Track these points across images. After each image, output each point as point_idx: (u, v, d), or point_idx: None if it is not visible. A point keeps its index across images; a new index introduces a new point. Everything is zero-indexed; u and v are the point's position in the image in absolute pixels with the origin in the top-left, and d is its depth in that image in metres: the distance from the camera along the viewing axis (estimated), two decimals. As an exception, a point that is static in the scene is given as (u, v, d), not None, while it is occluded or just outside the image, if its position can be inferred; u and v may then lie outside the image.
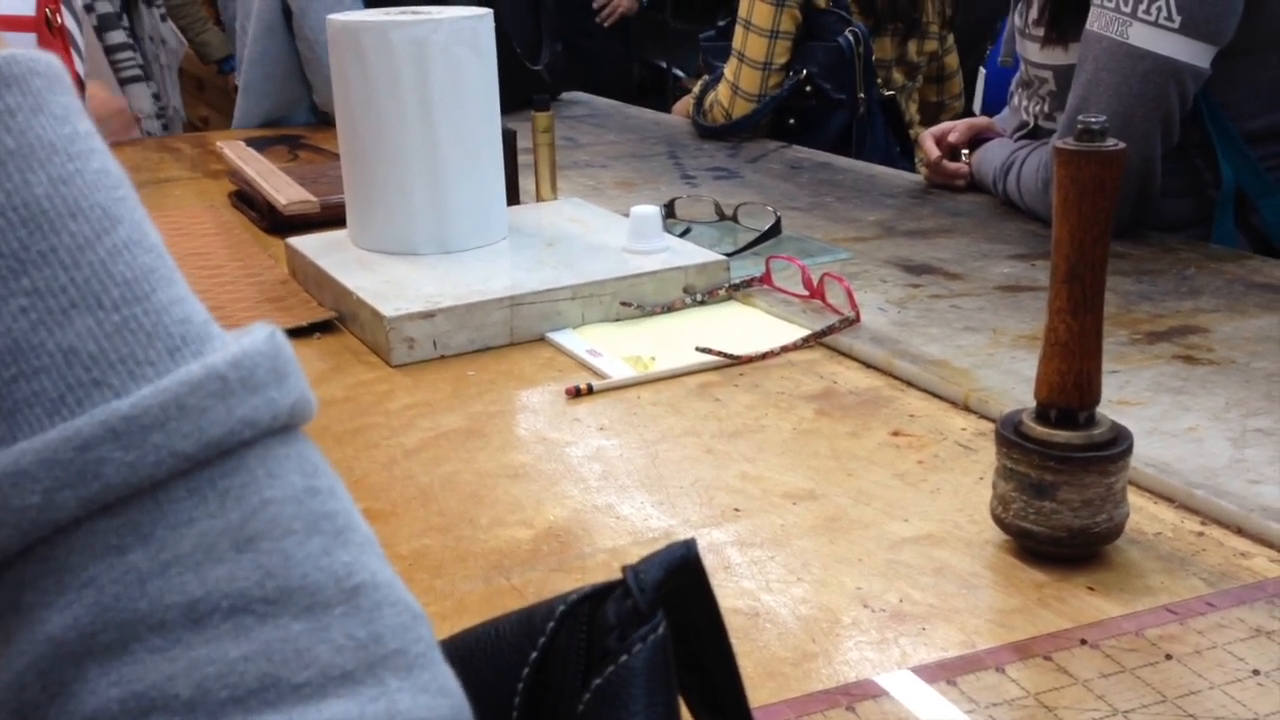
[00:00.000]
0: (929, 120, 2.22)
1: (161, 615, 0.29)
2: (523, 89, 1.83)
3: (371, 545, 0.32)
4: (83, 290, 0.29)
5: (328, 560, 0.30)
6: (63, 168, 0.30)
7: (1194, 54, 1.19)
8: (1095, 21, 1.22)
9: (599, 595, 0.35)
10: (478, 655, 0.36)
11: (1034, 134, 1.43)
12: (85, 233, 0.30)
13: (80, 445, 0.28)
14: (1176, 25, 1.17)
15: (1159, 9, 1.17)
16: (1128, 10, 1.19)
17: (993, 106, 1.96)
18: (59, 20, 1.60)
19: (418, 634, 0.32)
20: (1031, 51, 1.38)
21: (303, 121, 2.14)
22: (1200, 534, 0.72)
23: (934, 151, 1.56)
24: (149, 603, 0.29)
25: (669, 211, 1.39)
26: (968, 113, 2.17)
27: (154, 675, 0.28)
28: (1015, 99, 1.48)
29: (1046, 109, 1.39)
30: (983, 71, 2.19)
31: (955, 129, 1.58)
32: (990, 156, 1.48)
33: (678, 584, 0.35)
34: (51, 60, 0.32)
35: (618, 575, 0.35)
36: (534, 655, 0.35)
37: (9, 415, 0.29)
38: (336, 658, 0.30)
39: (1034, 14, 1.37)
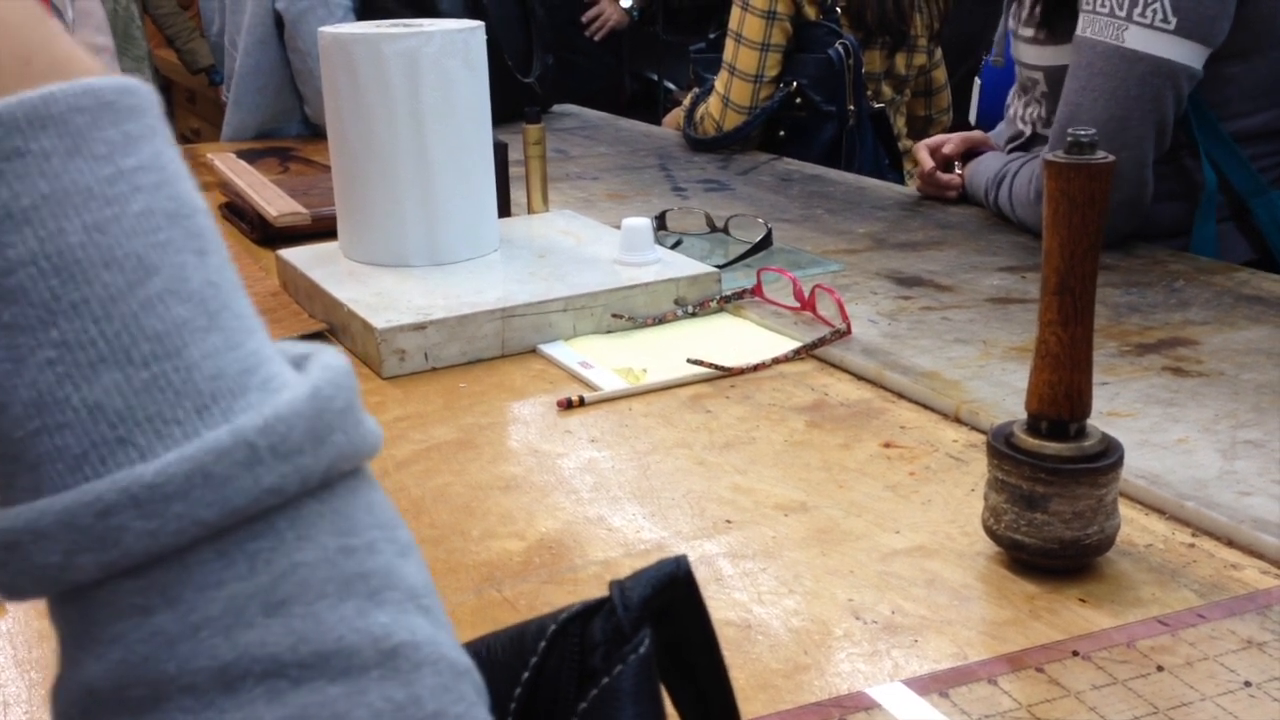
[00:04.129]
0: (917, 133, 2.22)
1: (191, 678, 0.28)
2: (514, 101, 1.83)
3: (412, 600, 0.31)
4: (112, 344, 0.29)
5: (363, 623, 0.30)
6: (99, 214, 0.29)
7: (1189, 55, 1.20)
8: (1088, 28, 1.23)
9: (588, 613, 0.35)
10: (468, 674, 0.36)
11: (1030, 143, 1.43)
12: (118, 284, 0.29)
13: (101, 511, 0.28)
14: (1172, 26, 1.19)
15: (1155, 11, 1.18)
16: (1123, 14, 1.20)
17: (988, 117, 1.97)
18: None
19: (459, 693, 0.31)
20: (1024, 53, 1.40)
21: (294, 133, 2.14)
22: (1191, 545, 0.72)
23: (928, 162, 1.57)
24: (178, 665, 0.28)
25: (660, 223, 1.39)
26: (963, 124, 2.18)
27: None
28: (1012, 109, 1.49)
29: (1043, 113, 1.40)
30: (978, 82, 2.19)
31: (950, 141, 1.58)
32: (983, 169, 1.49)
33: (667, 599, 0.35)
34: (114, 87, 0.30)
35: (610, 588, 0.35)
36: (526, 675, 0.34)
37: (34, 468, 0.28)
38: None
39: (1025, 14, 1.38)
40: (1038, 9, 1.35)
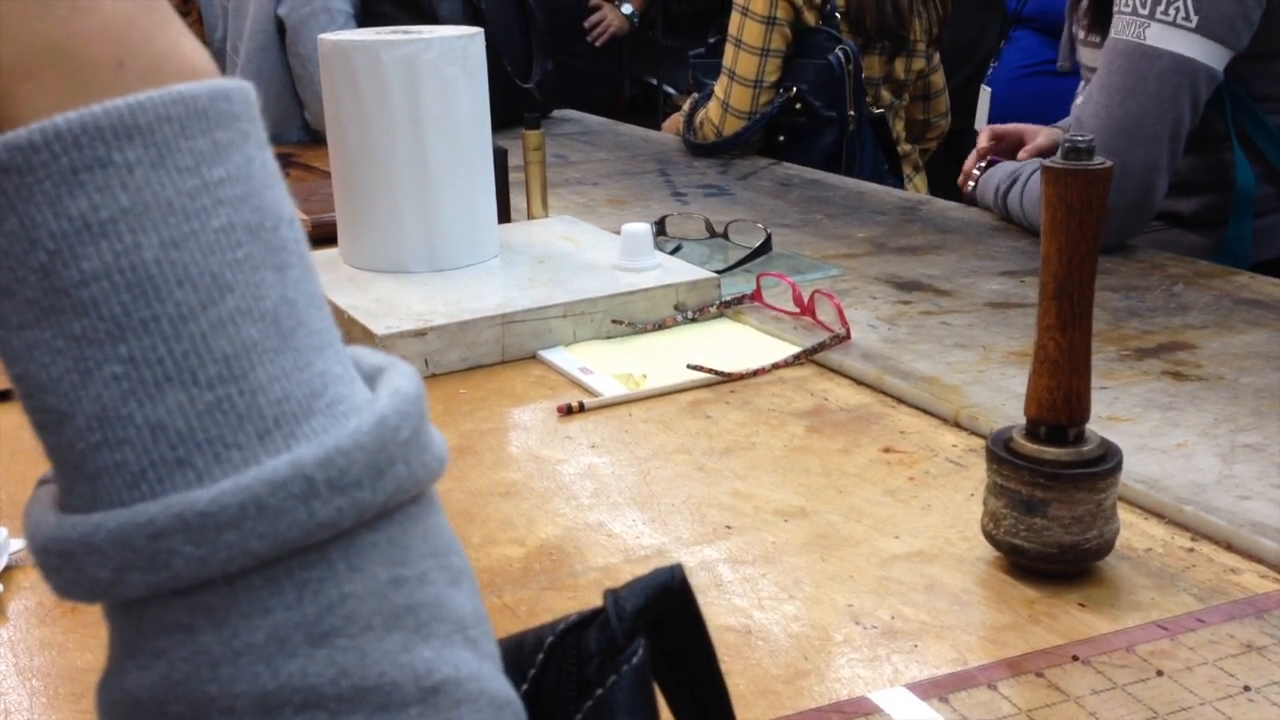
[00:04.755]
0: (915, 138, 2.23)
1: (231, 701, 0.28)
2: (514, 107, 1.83)
3: (460, 632, 0.31)
4: (179, 364, 0.28)
5: (407, 657, 0.30)
6: (177, 229, 0.28)
7: (1209, 55, 1.22)
8: (1113, 27, 1.26)
9: (584, 624, 0.35)
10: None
11: None
12: (191, 302, 0.28)
13: (152, 534, 0.28)
14: (1194, 24, 1.20)
15: (1177, 9, 1.20)
16: (1145, 12, 1.22)
17: (998, 123, 1.97)
18: None
19: None
20: (1085, 56, 1.43)
21: (294, 139, 2.15)
22: (1190, 550, 0.73)
23: (982, 142, 1.55)
24: (219, 688, 0.28)
25: (660, 229, 1.39)
26: (968, 130, 2.18)
27: None
28: (1081, 99, 1.50)
29: None
30: (987, 90, 2.19)
31: (1040, 133, 1.53)
32: (999, 172, 1.49)
33: (662, 608, 0.35)
34: (207, 93, 0.29)
35: (604, 598, 0.35)
36: (525, 688, 0.34)
37: (92, 480, 0.28)
38: None
39: (1084, 19, 1.40)
40: (1088, 13, 1.38)
